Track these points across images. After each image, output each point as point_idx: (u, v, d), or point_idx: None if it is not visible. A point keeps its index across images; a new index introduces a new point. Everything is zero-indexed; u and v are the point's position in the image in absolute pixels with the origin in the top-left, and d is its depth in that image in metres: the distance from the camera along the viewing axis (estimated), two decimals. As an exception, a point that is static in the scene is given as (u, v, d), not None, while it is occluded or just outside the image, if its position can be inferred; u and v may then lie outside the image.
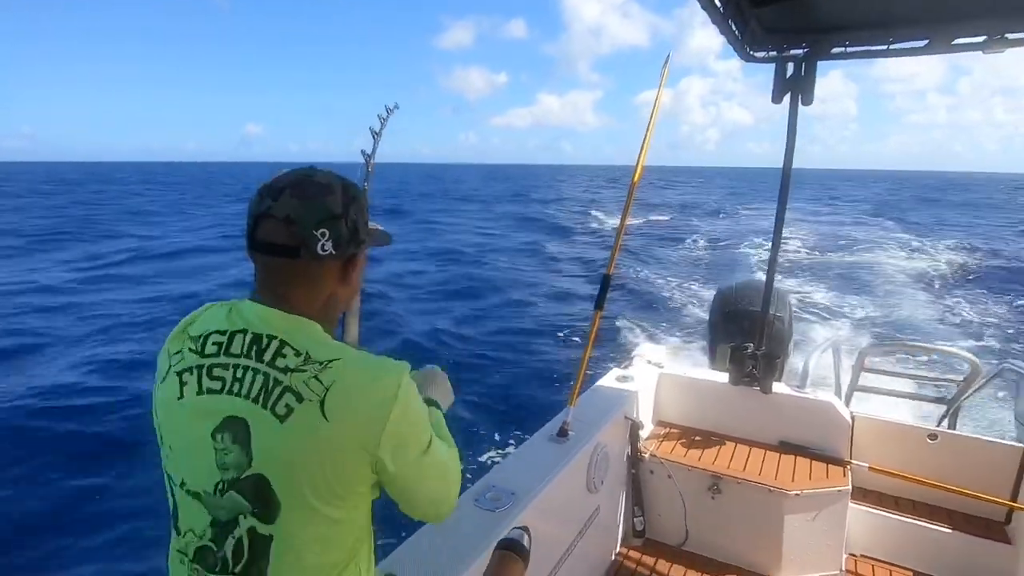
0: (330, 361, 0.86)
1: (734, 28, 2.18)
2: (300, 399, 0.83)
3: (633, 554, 2.73)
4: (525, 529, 1.47)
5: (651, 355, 3.26)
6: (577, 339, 10.05)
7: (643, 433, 2.82)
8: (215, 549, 0.85)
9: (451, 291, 14.42)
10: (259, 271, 0.92)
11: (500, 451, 6.03)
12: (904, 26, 2.18)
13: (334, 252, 0.90)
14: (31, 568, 4.45)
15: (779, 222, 2.70)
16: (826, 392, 2.86)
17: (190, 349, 0.90)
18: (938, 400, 3.40)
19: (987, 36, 2.06)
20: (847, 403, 3.30)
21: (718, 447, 2.82)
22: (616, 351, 8.51)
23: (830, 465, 2.64)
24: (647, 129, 2.60)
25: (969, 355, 3.23)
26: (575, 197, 55.15)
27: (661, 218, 33.18)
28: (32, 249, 20.78)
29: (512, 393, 7.75)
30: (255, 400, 0.84)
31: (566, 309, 12.64)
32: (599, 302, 2.47)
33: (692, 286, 14.99)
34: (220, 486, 0.84)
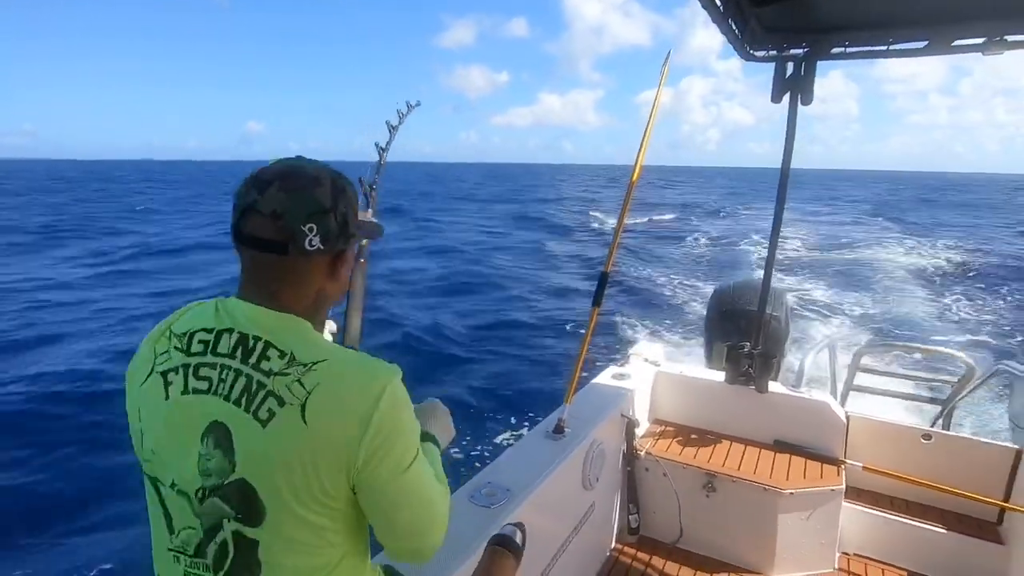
0: (315, 363, 0.83)
1: (734, 27, 2.18)
2: (282, 403, 0.81)
3: (628, 551, 2.74)
4: (518, 526, 1.47)
5: (648, 353, 3.26)
6: (575, 336, 10.09)
7: (639, 431, 2.83)
8: (204, 548, 0.85)
9: (450, 288, 14.47)
10: (245, 265, 0.89)
11: (496, 447, 6.05)
12: (904, 27, 2.19)
13: (322, 247, 0.86)
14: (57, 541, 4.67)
15: (777, 221, 2.70)
16: (821, 392, 2.87)
17: (176, 348, 0.87)
18: (933, 400, 3.41)
19: (986, 38, 2.07)
20: (842, 403, 3.32)
21: (713, 445, 2.83)
22: (613, 349, 8.54)
23: (824, 464, 2.66)
24: (646, 128, 2.60)
25: (964, 356, 3.25)
26: (575, 196, 55.18)
27: (664, 217, 33.23)
28: (41, 245, 21.18)
29: (509, 390, 7.78)
30: (237, 403, 0.82)
31: (565, 306, 12.68)
32: (596, 299, 2.47)
33: (691, 284, 15.03)
34: (200, 493, 0.83)
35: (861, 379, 3.52)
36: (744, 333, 2.97)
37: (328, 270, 0.92)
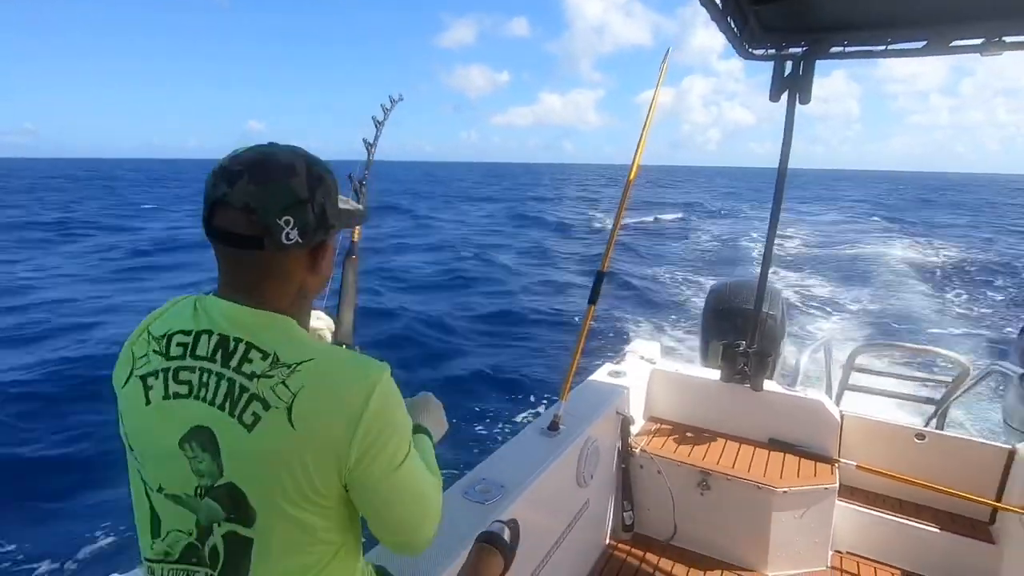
0: (299, 364, 0.80)
1: (733, 26, 2.18)
2: (267, 407, 0.78)
3: (622, 548, 2.75)
4: (510, 523, 1.48)
5: (644, 351, 3.27)
6: (571, 333, 10.12)
7: (634, 428, 2.84)
8: (199, 547, 0.84)
9: (448, 284, 14.56)
10: (220, 262, 0.85)
11: (491, 443, 6.06)
12: (902, 27, 2.19)
13: (300, 241, 0.82)
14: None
15: (774, 220, 2.70)
16: (816, 391, 2.87)
17: (154, 351, 0.84)
18: (927, 400, 3.42)
19: (985, 38, 2.07)
20: (837, 402, 3.33)
21: (708, 443, 2.84)
22: (610, 346, 8.57)
23: (818, 463, 2.66)
24: (644, 126, 2.60)
25: (958, 356, 3.25)
26: (575, 196, 55.25)
27: (666, 217, 33.27)
28: (52, 241, 21.66)
29: (504, 386, 7.81)
30: (221, 408, 0.80)
31: (561, 303, 12.74)
32: (593, 297, 2.48)
33: (689, 282, 15.10)
34: (199, 490, 0.82)
35: (856, 379, 3.53)
36: (740, 332, 2.97)
37: (308, 263, 0.88)
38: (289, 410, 0.78)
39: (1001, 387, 3.21)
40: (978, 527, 2.59)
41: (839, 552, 2.71)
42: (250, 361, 0.80)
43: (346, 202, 0.92)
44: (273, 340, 0.82)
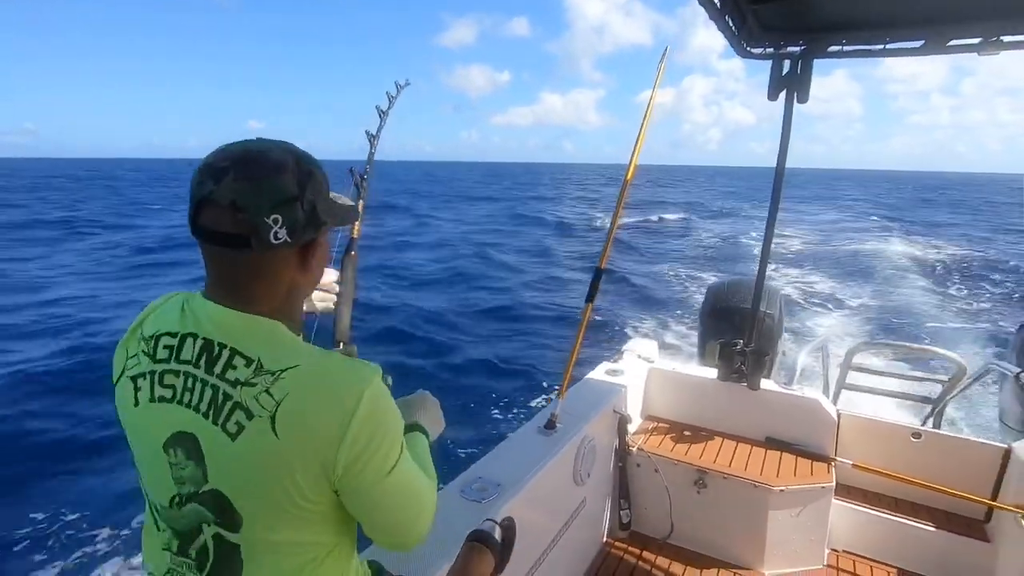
0: (284, 371, 0.78)
1: (731, 24, 2.19)
2: (250, 416, 0.76)
3: (618, 546, 2.76)
4: (503, 521, 1.48)
5: (641, 350, 3.27)
6: (569, 331, 10.15)
7: (631, 427, 2.84)
8: (188, 547, 0.84)
9: (447, 282, 14.58)
10: (207, 262, 0.82)
11: (488, 442, 6.08)
12: (900, 26, 2.19)
13: (289, 240, 0.79)
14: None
15: (771, 219, 2.71)
16: (813, 390, 2.88)
17: (143, 352, 0.83)
18: (924, 399, 3.43)
19: (982, 38, 2.07)
20: (834, 401, 3.33)
21: (705, 442, 2.84)
22: (607, 345, 8.58)
23: (815, 462, 2.67)
24: (642, 125, 2.60)
25: (955, 356, 3.26)
26: (575, 195, 55.24)
27: (670, 217, 33.32)
28: (59, 239, 21.87)
29: (502, 384, 7.82)
30: (205, 415, 0.78)
31: (559, 301, 12.77)
32: (590, 295, 2.48)
33: (688, 281, 15.13)
34: (176, 499, 0.81)
35: (853, 377, 3.54)
36: (737, 330, 2.98)
37: (298, 262, 0.84)
38: (273, 419, 0.76)
39: (996, 384, 3.21)
40: (974, 526, 2.60)
41: (835, 550, 2.71)
42: (234, 368, 0.78)
43: (339, 198, 0.90)
44: (258, 345, 0.80)
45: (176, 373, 0.80)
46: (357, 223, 1.27)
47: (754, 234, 23.36)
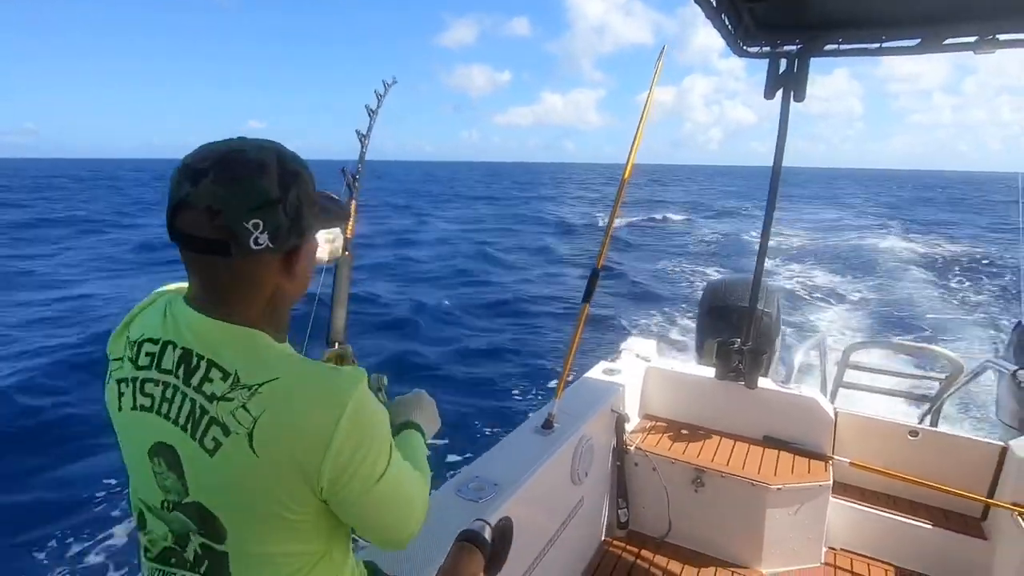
0: (261, 385, 0.74)
1: (727, 23, 2.19)
2: (227, 432, 0.74)
3: (616, 545, 2.76)
4: (500, 521, 1.47)
5: (639, 348, 3.27)
6: (567, 330, 10.17)
7: (629, 426, 2.84)
8: (180, 551, 0.82)
9: (446, 280, 14.59)
10: (187, 267, 0.79)
11: (485, 441, 6.08)
12: (896, 25, 2.20)
13: (271, 245, 0.75)
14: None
15: (768, 217, 2.71)
16: (811, 388, 2.88)
17: (128, 357, 0.82)
18: (921, 397, 3.43)
19: (978, 37, 2.07)
20: (832, 399, 3.33)
21: (703, 441, 2.84)
22: (605, 344, 8.59)
23: (812, 460, 2.67)
24: (639, 124, 2.60)
25: (952, 354, 3.26)
26: (575, 195, 55.25)
27: (675, 217, 33.37)
28: (68, 236, 22.08)
29: (499, 383, 7.82)
30: (184, 428, 0.76)
31: (558, 300, 12.79)
32: (587, 295, 2.48)
33: (686, 281, 15.16)
34: (166, 504, 0.80)
35: (851, 376, 3.54)
36: (735, 329, 2.98)
37: (282, 268, 0.80)
38: (250, 436, 0.73)
39: (991, 382, 3.22)
40: (970, 523, 2.60)
41: (833, 548, 2.72)
42: (210, 381, 0.75)
43: (328, 199, 0.86)
44: (235, 358, 0.76)
45: (156, 382, 0.78)
46: (350, 223, 1.27)
47: (753, 233, 23.41)
